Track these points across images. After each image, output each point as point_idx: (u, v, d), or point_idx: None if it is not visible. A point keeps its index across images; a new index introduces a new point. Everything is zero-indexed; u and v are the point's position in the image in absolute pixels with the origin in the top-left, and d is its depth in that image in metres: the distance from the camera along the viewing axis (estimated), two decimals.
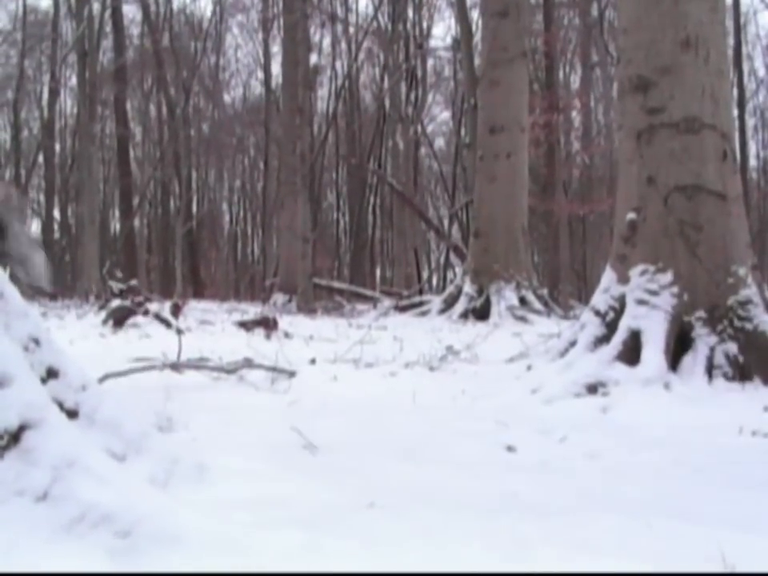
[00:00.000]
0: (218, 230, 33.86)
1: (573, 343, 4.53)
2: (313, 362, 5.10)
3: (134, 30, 30.62)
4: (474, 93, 13.44)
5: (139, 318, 8.56)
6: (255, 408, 3.49)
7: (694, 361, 4.07)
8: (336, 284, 17.01)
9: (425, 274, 30.46)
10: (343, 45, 27.80)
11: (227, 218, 35.39)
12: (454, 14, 24.20)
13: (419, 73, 27.96)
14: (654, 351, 4.03)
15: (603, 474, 2.28)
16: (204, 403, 3.48)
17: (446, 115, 31.64)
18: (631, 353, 4.09)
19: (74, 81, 29.08)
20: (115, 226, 33.39)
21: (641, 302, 4.23)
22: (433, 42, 29.85)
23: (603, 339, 4.31)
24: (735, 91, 21.75)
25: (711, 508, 1.92)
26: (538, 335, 6.29)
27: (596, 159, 25.21)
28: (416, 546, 1.40)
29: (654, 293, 4.23)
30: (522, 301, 10.44)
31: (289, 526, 1.42)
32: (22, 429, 1.39)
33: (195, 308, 11.50)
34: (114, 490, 1.39)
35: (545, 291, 11.69)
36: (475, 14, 21.13)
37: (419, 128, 28.09)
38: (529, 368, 4.64)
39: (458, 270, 14.74)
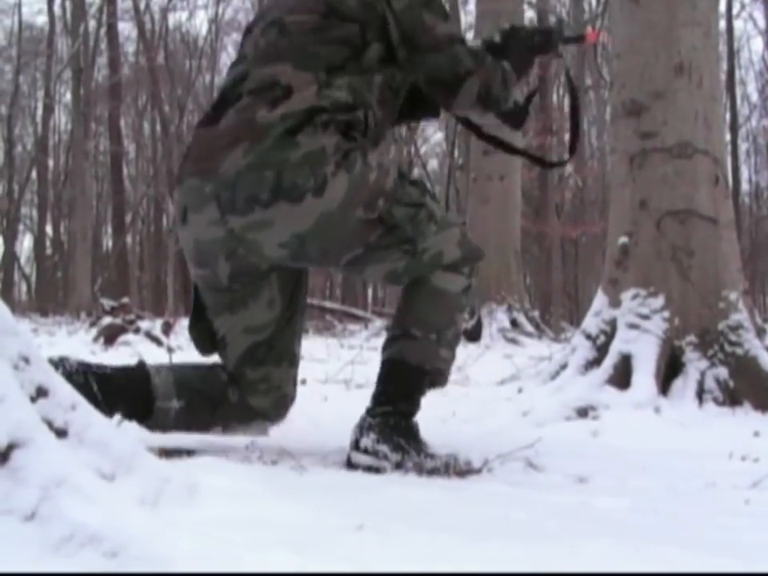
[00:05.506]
0: None
1: (564, 366, 4.54)
2: (303, 382, 5.09)
3: (129, 48, 30.73)
4: None
5: (130, 336, 8.56)
6: None
7: (684, 385, 4.08)
8: (328, 304, 17.00)
9: None
10: None
11: None
12: None
13: None
14: (644, 375, 4.04)
15: (592, 499, 2.28)
16: None
17: (439, 136, 31.79)
18: (622, 377, 4.11)
19: (68, 97, 29.20)
20: (107, 242, 33.42)
21: (632, 326, 4.24)
22: None
23: (594, 363, 4.32)
24: (728, 116, 21.88)
25: (700, 533, 1.92)
26: (529, 357, 6.29)
27: (589, 182, 25.32)
28: (406, 570, 1.40)
29: (645, 317, 4.24)
30: (514, 323, 10.45)
31: (279, 547, 1.42)
32: (10, 448, 1.39)
33: (186, 326, 11.48)
34: (102, 510, 1.39)
35: (536, 313, 11.71)
36: (470, 35, 21.24)
37: (413, 149, 28.15)
38: (520, 390, 4.65)
39: None
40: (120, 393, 2.74)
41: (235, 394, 2.91)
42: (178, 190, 2.83)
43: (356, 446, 2.70)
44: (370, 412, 2.75)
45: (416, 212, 2.71)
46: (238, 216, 2.64)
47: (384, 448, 2.65)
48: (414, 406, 2.79)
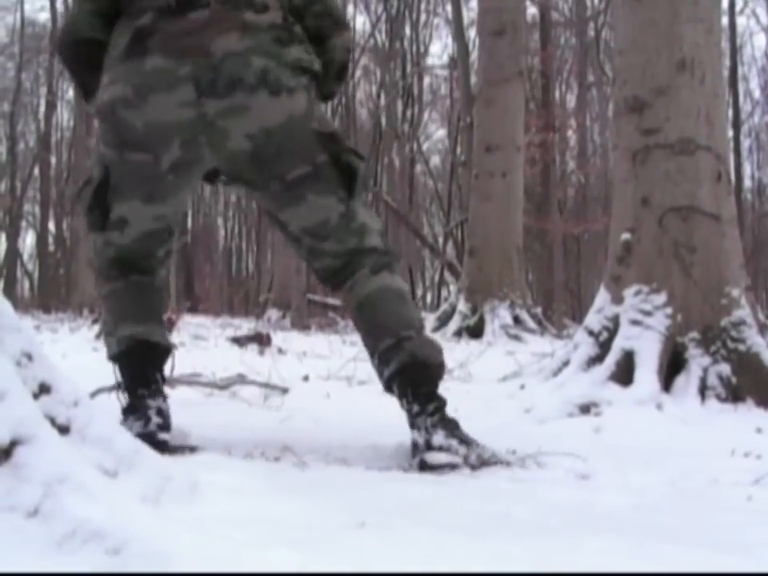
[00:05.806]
0: (213, 245, 33.83)
1: (566, 363, 4.53)
2: (306, 378, 5.10)
3: None
4: (469, 111, 13.50)
5: None
6: (247, 424, 3.49)
7: (686, 382, 4.08)
8: (330, 300, 16.97)
9: (419, 292, 30.43)
10: None
11: (222, 233, 35.38)
12: (451, 32, 24.32)
13: (416, 90, 28.03)
14: (646, 372, 4.04)
15: (594, 495, 2.28)
16: (196, 419, 3.47)
17: (441, 133, 31.78)
18: (624, 373, 4.10)
19: (70, 94, 29.13)
20: None
21: (634, 323, 4.23)
22: (430, 60, 30.02)
23: (596, 359, 4.31)
24: (731, 112, 21.85)
25: (702, 530, 1.92)
26: (531, 354, 6.29)
27: (591, 179, 25.27)
28: (407, 568, 1.40)
29: (647, 313, 4.23)
30: (516, 319, 10.46)
31: (280, 545, 1.42)
32: (13, 444, 1.39)
33: (189, 323, 11.48)
34: (105, 507, 1.39)
35: (539, 310, 11.71)
36: (472, 33, 21.22)
37: (415, 146, 28.15)
38: (522, 387, 4.64)
39: (453, 287, 14.79)
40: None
41: (162, 271, 3.11)
42: (127, 67, 2.69)
43: (428, 445, 2.64)
44: (423, 412, 2.72)
45: (358, 163, 2.85)
46: (215, 99, 2.68)
47: (454, 442, 2.64)
48: (444, 401, 2.80)
